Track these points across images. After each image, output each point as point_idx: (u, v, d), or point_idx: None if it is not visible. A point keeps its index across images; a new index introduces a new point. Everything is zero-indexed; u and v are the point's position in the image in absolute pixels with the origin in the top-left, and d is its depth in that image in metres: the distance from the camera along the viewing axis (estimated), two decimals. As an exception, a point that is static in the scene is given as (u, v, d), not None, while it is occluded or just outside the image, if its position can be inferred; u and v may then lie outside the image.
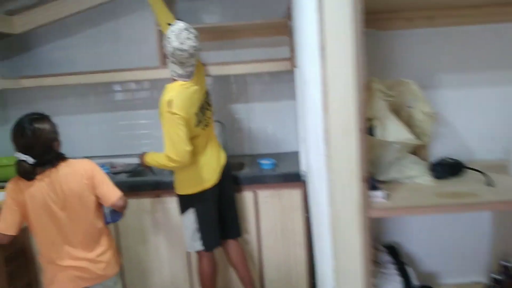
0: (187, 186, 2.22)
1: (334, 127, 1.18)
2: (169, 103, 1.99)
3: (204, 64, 2.51)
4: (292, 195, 2.45)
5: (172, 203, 2.46)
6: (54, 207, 1.80)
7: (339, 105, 1.13)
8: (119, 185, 2.51)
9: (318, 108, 1.35)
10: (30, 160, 1.75)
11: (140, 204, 2.54)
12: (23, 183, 1.79)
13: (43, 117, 1.81)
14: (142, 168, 2.84)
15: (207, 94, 2.29)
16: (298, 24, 2.03)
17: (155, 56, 2.72)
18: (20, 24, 2.73)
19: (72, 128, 3.07)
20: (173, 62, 2.07)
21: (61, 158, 1.85)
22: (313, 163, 1.84)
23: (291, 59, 2.56)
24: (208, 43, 2.85)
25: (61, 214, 1.82)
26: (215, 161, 2.25)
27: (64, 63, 3.00)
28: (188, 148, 2.02)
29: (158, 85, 3.00)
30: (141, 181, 2.58)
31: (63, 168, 1.83)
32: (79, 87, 3.01)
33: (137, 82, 3.04)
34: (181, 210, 2.28)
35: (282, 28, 2.79)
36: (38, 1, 2.65)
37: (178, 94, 2.03)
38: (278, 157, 2.75)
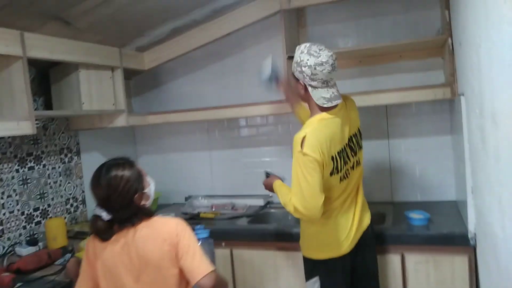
0: (312, 248, 1.78)
1: None
2: (302, 141, 1.59)
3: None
4: (455, 263, 1.86)
5: (298, 259, 2.07)
6: (125, 277, 1.43)
7: None
8: (238, 232, 2.27)
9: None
10: (104, 216, 1.43)
11: (261, 256, 2.20)
12: (99, 243, 1.47)
13: (124, 163, 1.46)
14: (264, 212, 2.56)
15: (355, 136, 1.79)
16: (470, 40, 1.52)
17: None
18: (149, 60, 2.73)
19: (197, 164, 2.97)
20: (316, 87, 1.65)
21: (143, 215, 1.47)
22: (499, 227, 1.28)
23: (451, 85, 2.01)
24: (342, 71, 2.44)
25: (133, 287, 1.43)
26: (353, 223, 1.76)
27: (192, 98, 2.92)
28: (320, 200, 1.58)
29: (283, 120, 2.71)
30: (263, 230, 2.25)
31: (143, 229, 1.44)
32: (204, 122, 2.88)
33: (262, 117, 2.79)
34: (305, 275, 1.83)
35: (435, 49, 2.28)
36: (165, 37, 2.59)
37: (314, 130, 1.61)
38: (429, 207, 2.18)
